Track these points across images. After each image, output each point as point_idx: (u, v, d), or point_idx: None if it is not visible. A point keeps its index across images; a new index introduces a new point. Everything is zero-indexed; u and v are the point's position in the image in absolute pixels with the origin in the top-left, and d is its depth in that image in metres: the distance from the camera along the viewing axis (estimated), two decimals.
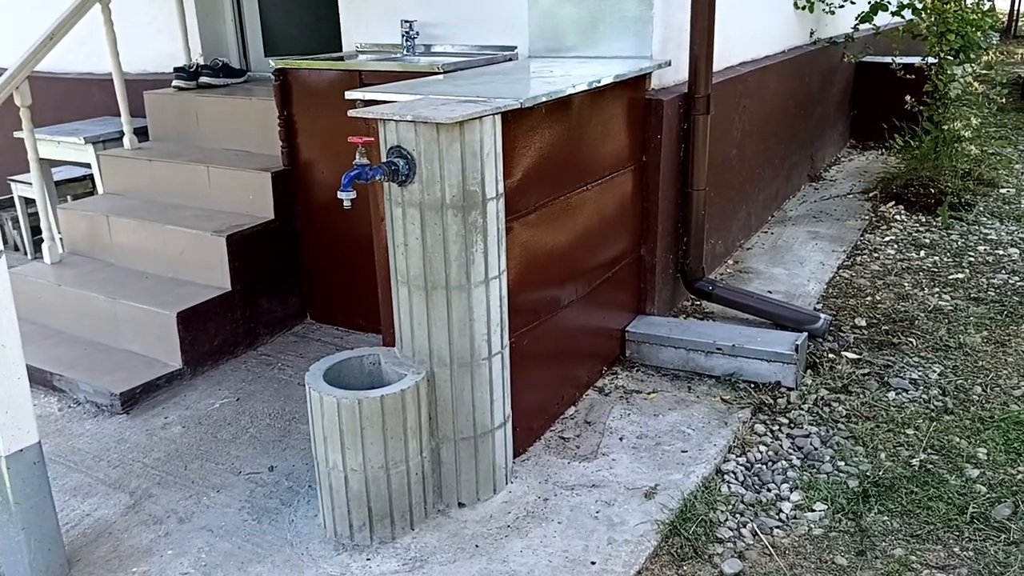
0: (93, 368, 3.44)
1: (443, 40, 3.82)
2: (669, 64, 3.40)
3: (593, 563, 2.33)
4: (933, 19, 5.44)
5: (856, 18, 5.83)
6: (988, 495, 2.59)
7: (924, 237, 4.75)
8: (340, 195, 2.16)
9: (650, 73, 3.38)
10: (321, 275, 3.94)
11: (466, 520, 2.52)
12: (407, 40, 3.80)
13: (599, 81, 2.88)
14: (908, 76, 6.11)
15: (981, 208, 5.20)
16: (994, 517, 2.50)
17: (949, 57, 5.44)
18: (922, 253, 4.51)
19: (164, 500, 2.70)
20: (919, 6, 5.55)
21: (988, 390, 3.18)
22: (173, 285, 3.68)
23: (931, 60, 5.48)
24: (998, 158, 5.91)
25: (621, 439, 2.94)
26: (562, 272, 3.00)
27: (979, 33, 5.38)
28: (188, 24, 4.65)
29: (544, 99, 2.55)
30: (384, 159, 2.31)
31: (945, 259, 4.42)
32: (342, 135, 3.52)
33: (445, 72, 3.24)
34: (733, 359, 3.30)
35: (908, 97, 5.87)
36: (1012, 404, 3.07)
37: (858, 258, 4.47)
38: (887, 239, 4.73)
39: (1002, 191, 5.58)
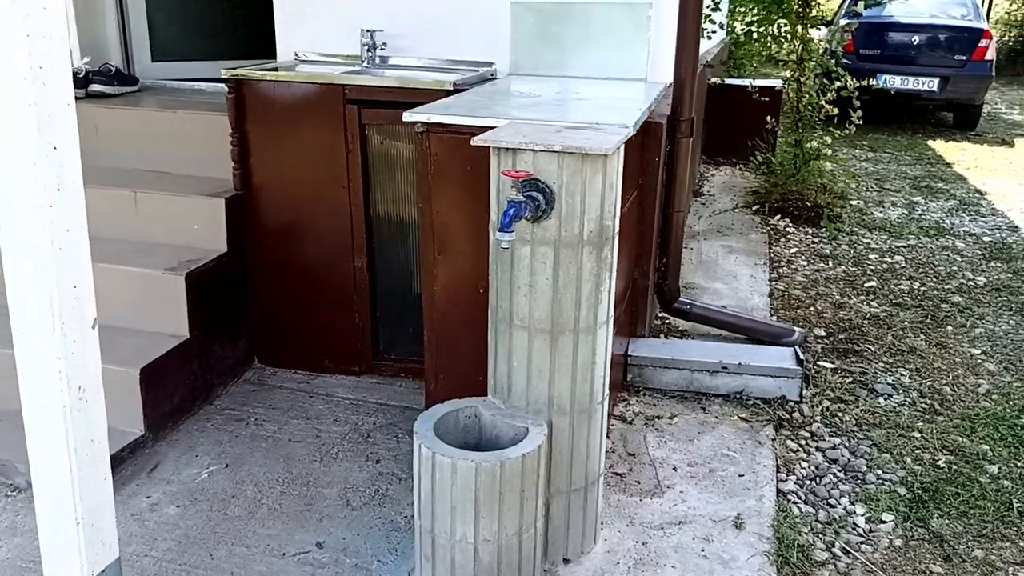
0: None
1: (406, 52, 3.54)
2: (669, 87, 3.40)
3: None
4: (795, 45, 5.95)
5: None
6: (1018, 489, 2.84)
7: (821, 248, 5.17)
8: (500, 236, 1.91)
9: None
10: (276, 314, 3.49)
11: None
12: (368, 51, 3.48)
13: (649, 107, 2.81)
14: (764, 98, 6.64)
15: (846, 220, 5.76)
16: None
17: (809, 81, 5.97)
18: (830, 263, 4.90)
19: None
20: (782, 33, 6.05)
21: (955, 389, 3.51)
22: (116, 335, 3.06)
23: (779, 83, 5.98)
24: (846, 172, 6.57)
25: (675, 469, 2.89)
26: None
27: (832, 60, 5.94)
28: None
29: (638, 125, 2.43)
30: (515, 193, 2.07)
31: (851, 268, 4.84)
32: (312, 156, 3.20)
33: (457, 89, 3.00)
34: (739, 377, 3.37)
35: (768, 117, 6.38)
36: (983, 401, 3.41)
37: (779, 270, 4.76)
38: (792, 251, 5.09)
39: (853, 203, 6.22)
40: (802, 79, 5.96)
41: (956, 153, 8.33)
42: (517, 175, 1.96)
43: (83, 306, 1.51)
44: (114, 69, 3.87)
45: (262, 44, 4.44)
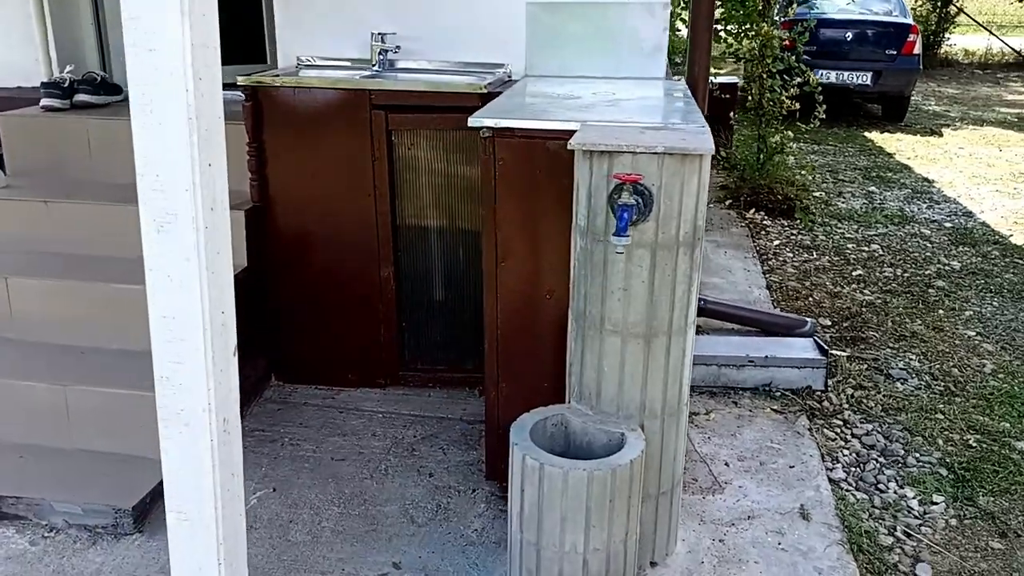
0: (61, 481, 2.61)
1: (417, 56, 3.46)
2: (687, 84, 3.43)
3: None
4: (757, 44, 6.09)
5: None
6: None
7: (801, 239, 5.31)
8: (616, 241, 1.89)
9: None
10: (296, 329, 3.36)
11: None
12: (381, 55, 3.39)
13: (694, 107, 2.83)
14: (725, 95, 6.78)
15: (815, 211, 5.93)
16: None
17: (770, 79, 6.12)
18: (814, 254, 5.04)
19: None
20: (742, 30, 6.19)
21: (963, 371, 3.66)
22: (129, 359, 2.90)
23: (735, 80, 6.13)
24: (804, 165, 6.77)
25: (727, 464, 2.92)
26: None
27: (793, 57, 6.11)
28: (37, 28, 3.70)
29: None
30: (611, 195, 2.05)
31: (835, 258, 4.99)
32: (334, 164, 3.09)
33: (491, 93, 2.95)
34: (765, 370, 3.43)
35: (732, 113, 6.52)
36: (991, 381, 3.56)
37: (769, 263, 4.87)
38: (776, 243, 5.21)
39: (815, 194, 6.41)
40: (764, 75, 6.11)
41: (893, 144, 8.69)
42: (630, 178, 1.93)
43: (228, 333, 1.42)
44: (99, 78, 3.66)
45: (248, 48, 4.31)
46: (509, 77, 3.38)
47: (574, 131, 2.28)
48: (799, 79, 6.00)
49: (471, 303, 3.29)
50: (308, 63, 3.49)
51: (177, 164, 1.27)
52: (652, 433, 2.22)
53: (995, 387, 3.51)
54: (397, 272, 3.26)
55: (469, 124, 2.38)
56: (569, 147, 2.05)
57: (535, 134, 2.35)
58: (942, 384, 3.53)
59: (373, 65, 3.41)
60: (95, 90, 3.61)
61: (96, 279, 3.01)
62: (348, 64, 3.47)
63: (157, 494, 2.61)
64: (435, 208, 3.22)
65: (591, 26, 3.38)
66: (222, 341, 1.41)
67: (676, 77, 3.53)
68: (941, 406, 3.36)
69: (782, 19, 7.16)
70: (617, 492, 2.03)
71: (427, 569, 2.39)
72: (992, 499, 2.79)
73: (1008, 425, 3.23)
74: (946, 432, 3.18)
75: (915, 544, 2.58)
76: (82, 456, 2.74)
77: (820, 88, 5.83)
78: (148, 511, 2.57)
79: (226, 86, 4.04)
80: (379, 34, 3.39)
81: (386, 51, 3.39)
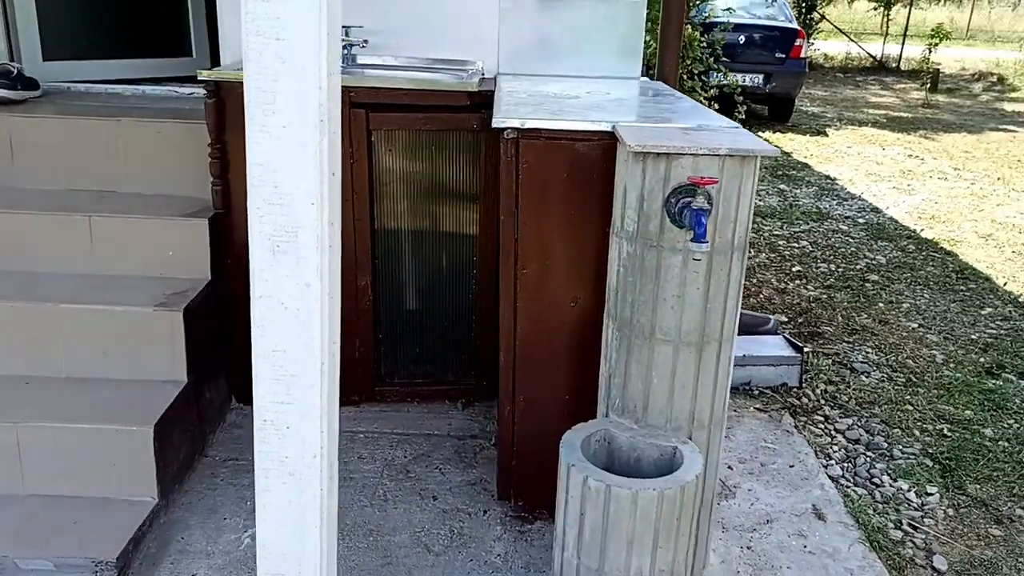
0: (22, 534, 2.27)
1: (382, 50, 3.27)
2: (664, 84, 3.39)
3: None
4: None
5: None
6: (1018, 448, 3.13)
7: None
8: (695, 247, 1.79)
9: None
10: None
11: None
12: (346, 49, 3.17)
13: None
14: None
15: None
16: None
17: (690, 80, 6.22)
18: (751, 251, 5.14)
19: None
20: None
21: (917, 362, 3.81)
22: (104, 388, 2.58)
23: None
24: None
25: (731, 468, 2.89)
26: None
27: (712, 59, 6.23)
28: None
29: None
30: (668, 199, 1.95)
31: (771, 255, 5.11)
32: None
33: (479, 90, 2.80)
34: (743, 368, 3.44)
35: None
36: (944, 370, 3.72)
37: None
38: None
39: None
40: (684, 76, 6.20)
41: (787, 143, 9.07)
42: (705, 181, 1.84)
43: (336, 367, 1.22)
44: (15, 71, 3.24)
45: (176, 39, 3.96)
46: (483, 76, 3.24)
47: (605, 132, 2.18)
48: (718, 79, 6.13)
49: (454, 312, 3.12)
50: None
51: (303, 174, 1.08)
52: (699, 444, 2.15)
53: (950, 377, 3.66)
54: (375, 281, 3.05)
55: (494, 125, 2.23)
56: (631, 149, 1.94)
57: (563, 135, 2.22)
58: (903, 376, 3.66)
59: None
60: (12, 84, 3.19)
61: (31, 298, 2.64)
62: None
63: (137, 541, 2.33)
64: (416, 212, 3.03)
65: (565, 24, 3.29)
66: (333, 376, 1.21)
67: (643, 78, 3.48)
68: (908, 397, 3.47)
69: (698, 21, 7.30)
70: (683, 510, 1.95)
71: None
72: (979, 486, 2.90)
73: (971, 413, 3.37)
74: (920, 423, 3.29)
75: (923, 536, 2.63)
76: (42, 503, 2.40)
77: (739, 89, 5.97)
78: (131, 560, 2.28)
79: (132, 81, 3.73)
80: (344, 27, 3.16)
81: (351, 45, 3.18)
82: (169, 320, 2.61)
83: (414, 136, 2.93)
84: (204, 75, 2.77)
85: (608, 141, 2.20)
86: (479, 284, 3.07)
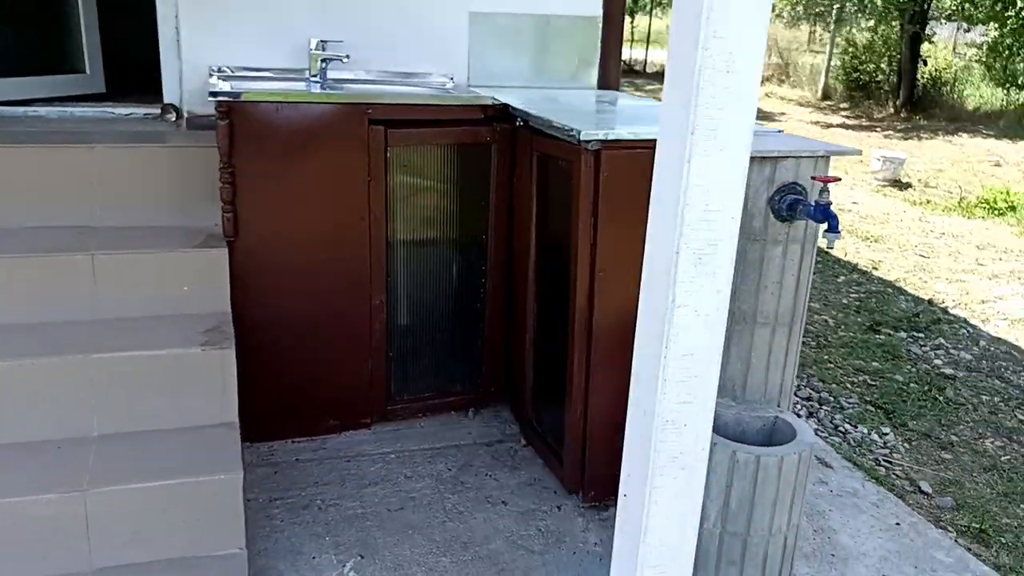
0: None
1: (353, 65, 3.22)
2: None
3: (898, 524, 2.72)
4: None
5: None
6: (927, 388, 3.78)
7: None
8: (831, 236, 2.06)
9: None
10: (269, 378, 2.93)
11: None
12: (323, 63, 3.10)
13: None
14: None
15: None
16: (944, 396, 3.70)
17: None
18: None
19: None
20: None
21: (816, 327, 4.41)
22: (151, 440, 2.34)
23: None
24: None
25: None
26: None
27: None
28: None
29: None
30: (773, 197, 2.21)
31: None
32: (322, 187, 2.84)
33: (494, 104, 2.90)
34: None
35: None
36: (840, 332, 4.36)
37: None
38: None
39: None
40: None
41: None
42: (828, 179, 2.12)
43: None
44: None
45: (66, 55, 3.56)
46: (454, 87, 3.31)
47: None
48: None
49: (462, 322, 3.17)
50: (230, 74, 3.05)
51: (731, 192, 1.20)
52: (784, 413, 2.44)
53: (847, 336, 4.31)
54: (387, 299, 3.02)
55: (581, 138, 2.35)
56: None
57: (639, 144, 2.41)
58: (813, 340, 4.24)
59: (314, 75, 3.10)
60: None
61: (54, 351, 2.34)
62: (271, 74, 3.11)
63: None
64: (428, 226, 3.04)
65: (530, 38, 3.44)
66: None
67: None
68: (826, 357, 4.04)
69: None
70: (808, 470, 2.22)
71: None
72: (916, 422, 3.49)
73: (878, 364, 4.01)
74: (846, 377, 3.85)
75: (899, 468, 3.14)
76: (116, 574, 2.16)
77: None
78: None
79: (44, 101, 3.37)
80: (321, 42, 3.09)
81: (328, 60, 3.10)
82: (219, 360, 2.44)
83: (428, 151, 2.94)
84: (221, 96, 2.59)
85: None
86: (488, 292, 3.15)
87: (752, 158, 2.18)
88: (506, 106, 2.92)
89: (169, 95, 3.23)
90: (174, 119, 3.20)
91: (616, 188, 2.43)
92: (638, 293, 2.52)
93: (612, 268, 2.50)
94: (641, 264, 2.48)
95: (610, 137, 2.37)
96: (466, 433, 3.13)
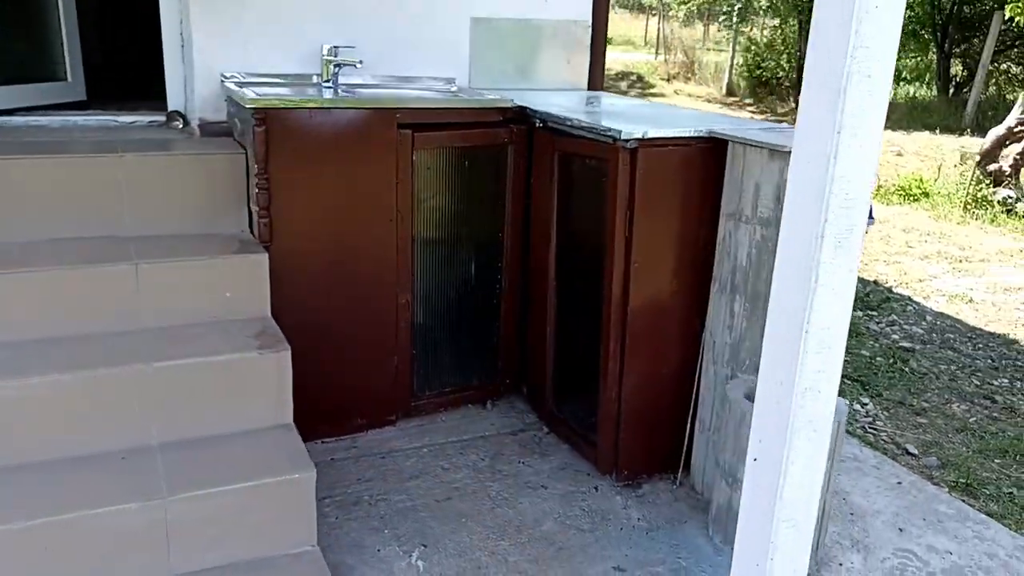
0: None
1: (362, 69, 3.28)
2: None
3: (899, 483, 2.99)
4: None
5: None
6: (892, 361, 4.11)
7: None
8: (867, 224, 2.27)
9: None
10: (298, 380, 2.94)
11: None
12: (336, 68, 3.15)
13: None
14: None
15: None
16: (908, 367, 4.04)
17: None
18: None
19: None
20: None
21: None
22: (214, 445, 2.36)
23: None
24: None
25: None
26: None
27: None
28: None
29: None
30: None
31: None
32: (351, 190, 2.94)
33: (514, 108, 3.02)
34: None
35: None
36: None
37: None
38: None
39: None
40: None
41: None
42: None
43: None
44: None
45: (47, 63, 3.48)
46: (459, 90, 3.41)
47: (704, 137, 2.59)
48: None
49: (480, 317, 3.27)
50: (242, 80, 3.06)
51: (865, 183, 1.37)
52: None
53: None
54: (413, 297, 3.10)
55: (622, 137, 2.51)
56: (772, 149, 2.37)
57: (671, 142, 2.58)
58: None
59: (326, 81, 3.15)
60: None
61: (111, 363, 2.33)
62: (281, 80, 3.14)
63: None
64: (450, 226, 3.14)
65: (527, 42, 3.57)
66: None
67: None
68: None
69: None
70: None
71: (645, 563, 2.50)
72: (889, 392, 3.80)
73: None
74: None
75: (886, 434, 3.43)
76: None
77: None
78: None
79: (25, 110, 3.30)
80: (334, 47, 3.13)
81: (340, 65, 3.15)
82: (276, 362, 2.48)
83: (450, 153, 3.04)
84: (250, 104, 2.62)
85: (706, 145, 2.61)
86: (504, 288, 3.26)
87: (785, 152, 2.38)
88: (523, 108, 3.04)
89: (174, 102, 3.21)
90: (181, 126, 3.18)
91: (650, 184, 2.59)
92: (669, 282, 2.70)
93: (646, 260, 2.67)
94: (671, 250, 2.67)
95: (648, 135, 2.53)
96: (488, 424, 3.24)
